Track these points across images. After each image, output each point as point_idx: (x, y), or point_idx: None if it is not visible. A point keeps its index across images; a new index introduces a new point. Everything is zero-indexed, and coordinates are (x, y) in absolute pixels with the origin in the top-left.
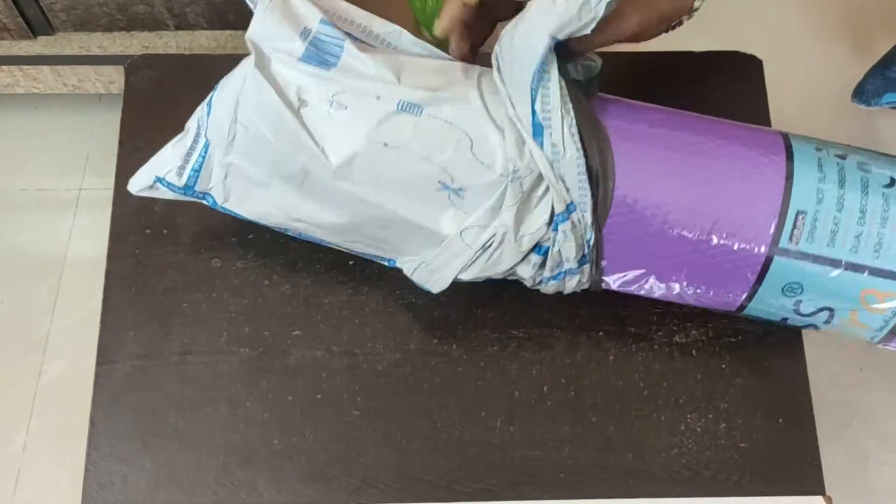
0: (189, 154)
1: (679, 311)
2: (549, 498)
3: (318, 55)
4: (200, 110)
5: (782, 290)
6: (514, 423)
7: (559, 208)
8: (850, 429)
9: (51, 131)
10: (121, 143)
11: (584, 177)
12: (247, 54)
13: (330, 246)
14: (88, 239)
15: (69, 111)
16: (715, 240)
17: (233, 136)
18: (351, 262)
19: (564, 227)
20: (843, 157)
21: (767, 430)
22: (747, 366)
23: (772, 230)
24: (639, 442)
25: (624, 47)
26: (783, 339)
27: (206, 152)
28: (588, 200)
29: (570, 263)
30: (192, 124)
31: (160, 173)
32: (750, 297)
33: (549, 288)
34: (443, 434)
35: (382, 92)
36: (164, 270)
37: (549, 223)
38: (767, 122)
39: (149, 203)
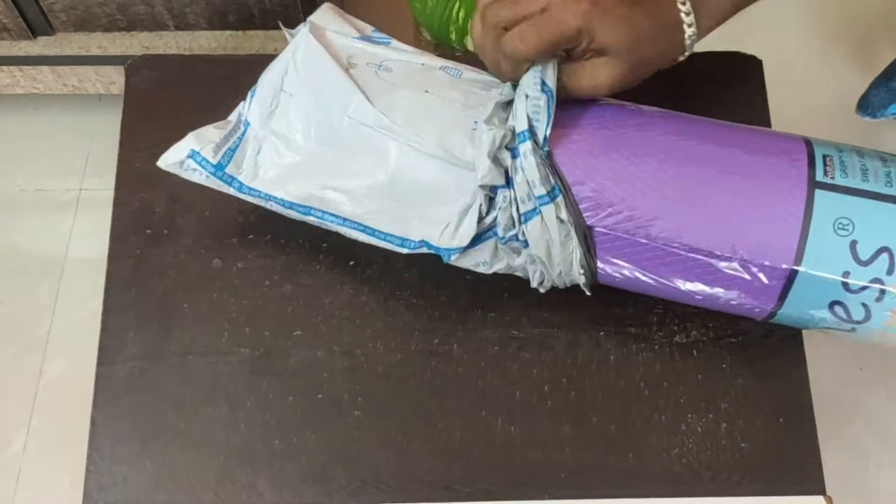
0: (229, 135)
1: (680, 312)
2: (549, 498)
3: (369, 38)
4: (242, 103)
5: (833, 226)
6: (515, 424)
7: (520, 126)
8: (851, 429)
9: (51, 131)
10: (121, 143)
11: (539, 91)
12: (246, 54)
13: (347, 229)
14: (88, 239)
15: (69, 111)
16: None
17: (275, 105)
18: (352, 263)
19: (525, 147)
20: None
21: (768, 431)
22: (748, 366)
23: (805, 168)
24: (639, 442)
25: None
26: (783, 340)
27: (244, 135)
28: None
29: (538, 189)
30: (233, 115)
31: (196, 147)
32: (801, 248)
33: (533, 232)
34: (443, 434)
35: (427, 61)
36: (164, 271)
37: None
38: (767, 124)
39: (149, 203)
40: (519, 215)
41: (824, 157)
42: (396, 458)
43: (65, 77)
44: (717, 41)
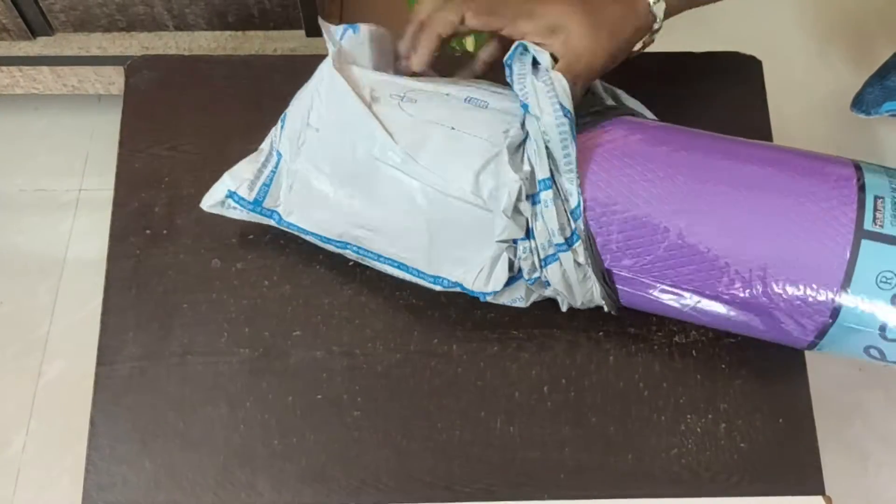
0: (262, 169)
1: None
2: (549, 498)
3: (390, 72)
4: (274, 129)
5: (877, 279)
6: (514, 424)
7: (541, 173)
8: (850, 429)
9: (50, 132)
10: (121, 143)
11: (569, 140)
12: (246, 55)
13: (382, 264)
14: (88, 239)
15: (69, 112)
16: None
17: (302, 140)
18: (351, 264)
19: (546, 195)
20: None
21: (767, 431)
22: (747, 366)
23: (853, 214)
24: (639, 443)
25: None
26: None
27: (277, 167)
28: (574, 175)
29: (557, 238)
30: (265, 144)
31: (233, 187)
32: (839, 303)
33: (553, 276)
34: (443, 435)
35: (452, 90)
36: (164, 271)
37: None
38: (767, 123)
39: (149, 204)
40: (539, 261)
41: (875, 199)
42: (396, 458)
43: (64, 77)
44: (717, 42)
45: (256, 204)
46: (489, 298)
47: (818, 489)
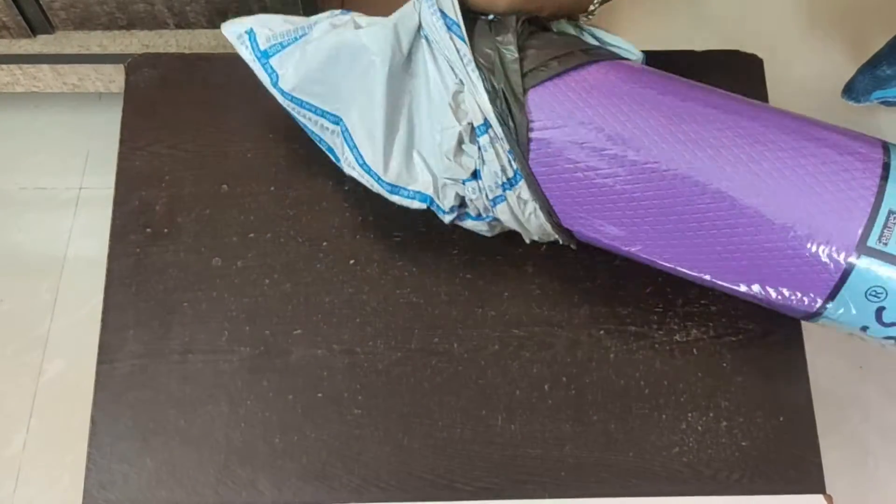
0: (289, 31)
1: (680, 310)
2: (549, 496)
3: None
4: (329, 12)
5: (865, 294)
6: (515, 422)
7: (476, 119)
8: (850, 427)
9: (51, 130)
10: (121, 141)
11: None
12: None
13: (353, 162)
14: (88, 238)
15: (69, 110)
16: (795, 239)
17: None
18: (352, 262)
19: (483, 140)
20: None
21: (768, 429)
22: (748, 364)
23: (860, 230)
24: (640, 440)
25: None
26: (783, 338)
27: (300, 38)
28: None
29: (500, 178)
30: (310, 20)
31: (255, 26)
32: (831, 299)
33: (503, 214)
34: (444, 433)
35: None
36: (164, 269)
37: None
38: None
39: (149, 202)
40: (489, 201)
41: (889, 213)
42: (397, 456)
43: (65, 75)
44: (718, 40)
45: (264, 55)
46: (452, 220)
47: (819, 487)
